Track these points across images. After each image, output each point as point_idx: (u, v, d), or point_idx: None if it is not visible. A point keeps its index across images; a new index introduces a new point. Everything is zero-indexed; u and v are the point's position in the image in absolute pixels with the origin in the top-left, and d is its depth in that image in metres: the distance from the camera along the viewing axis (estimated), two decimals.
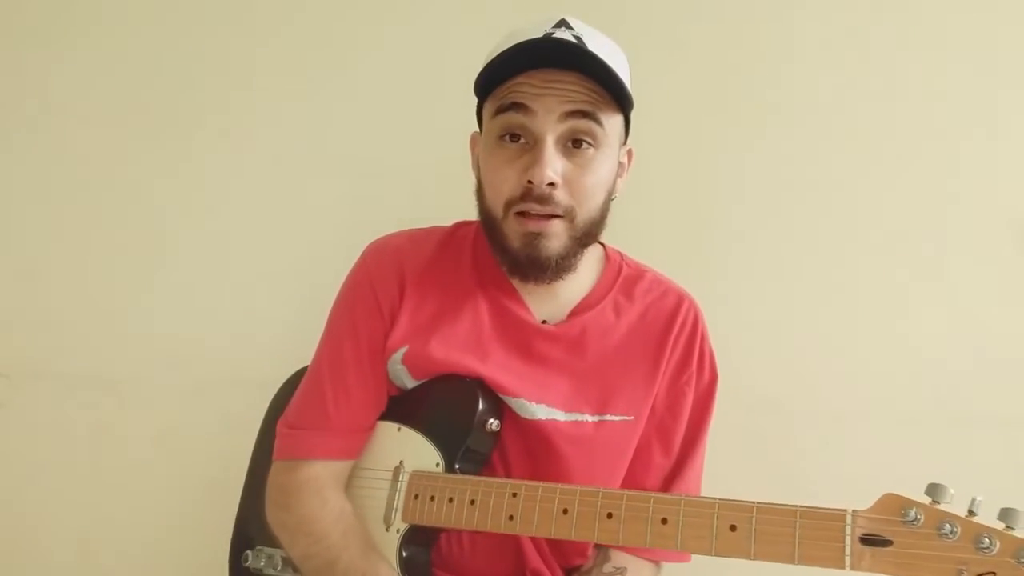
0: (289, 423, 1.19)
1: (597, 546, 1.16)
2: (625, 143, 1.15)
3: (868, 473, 1.36)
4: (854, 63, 1.49)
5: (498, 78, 1.06)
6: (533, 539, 1.14)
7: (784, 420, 1.43)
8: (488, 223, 1.12)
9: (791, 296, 1.48)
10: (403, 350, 1.14)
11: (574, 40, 1.04)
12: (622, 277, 1.20)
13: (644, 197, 1.33)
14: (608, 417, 1.12)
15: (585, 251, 1.13)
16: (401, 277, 1.16)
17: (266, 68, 1.66)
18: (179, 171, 1.68)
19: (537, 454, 1.11)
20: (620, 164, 1.14)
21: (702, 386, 1.18)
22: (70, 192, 1.72)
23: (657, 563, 1.15)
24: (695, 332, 1.18)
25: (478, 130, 1.16)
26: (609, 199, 1.12)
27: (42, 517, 1.68)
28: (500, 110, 1.06)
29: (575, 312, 1.16)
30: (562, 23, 1.07)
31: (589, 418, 1.12)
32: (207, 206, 1.67)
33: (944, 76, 1.45)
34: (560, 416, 1.11)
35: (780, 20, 1.50)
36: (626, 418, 1.13)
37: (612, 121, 1.08)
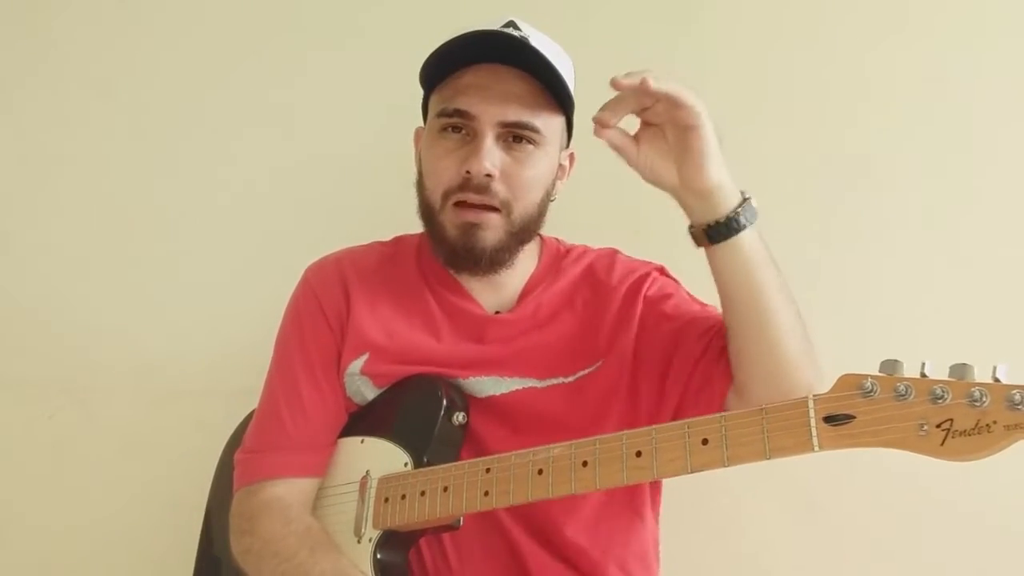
0: (247, 449, 1.17)
1: None
2: (568, 146, 1.21)
3: None
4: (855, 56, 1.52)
5: (443, 71, 1.11)
6: (537, 536, 1.11)
7: None
8: (427, 213, 1.15)
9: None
10: (363, 358, 1.15)
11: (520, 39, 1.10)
12: (558, 254, 1.24)
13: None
14: (580, 373, 1.14)
15: (522, 248, 1.16)
16: (345, 286, 1.18)
17: (245, 71, 1.68)
18: (151, 175, 1.66)
19: (519, 428, 1.11)
20: (561, 167, 1.19)
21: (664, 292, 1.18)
22: (34, 196, 1.69)
23: None
24: (644, 277, 1.20)
25: (422, 125, 1.20)
26: (547, 199, 1.17)
27: (1, 534, 1.57)
28: (443, 114, 1.10)
29: (524, 294, 1.19)
30: (510, 24, 1.12)
31: (565, 379, 1.13)
32: (179, 210, 1.65)
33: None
34: (537, 384, 1.13)
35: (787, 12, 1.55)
36: (594, 366, 1.14)
37: (552, 123, 1.12)
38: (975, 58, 1.46)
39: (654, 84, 0.90)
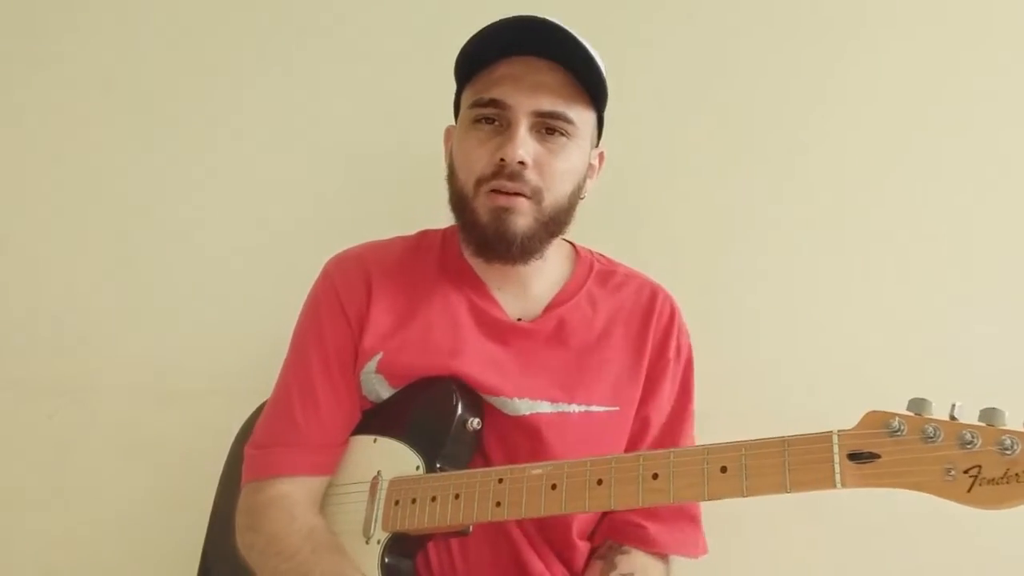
0: (257, 443, 1.16)
1: (599, 557, 1.14)
2: (597, 145, 1.20)
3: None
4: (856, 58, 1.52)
5: (478, 63, 1.10)
6: (535, 544, 1.12)
7: None
8: (458, 202, 1.14)
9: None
10: (377, 357, 1.13)
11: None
12: (595, 272, 1.22)
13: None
14: (594, 408, 1.12)
15: (551, 241, 1.15)
16: (367, 281, 1.16)
17: (251, 65, 1.66)
18: (153, 174, 1.64)
19: (522, 450, 1.10)
20: (591, 166, 1.18)
21: (678, 378, 1.20)
22: (34, 195, 1.66)
23: (665, 557, 1.14)
24: (672, 323, 1.20)
25: (453, 124, 1.19)
26: (578, 194, 1.15)
27: (0, 536, 1.56)
28: (476, 104, 1.10)
29: (550, 307, 1.18)
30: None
31: (576, 408, 1.12)
32: (183, 205, 1.63)
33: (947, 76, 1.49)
34: (546, 408, 1.11)
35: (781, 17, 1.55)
36: (611, 408, 1.13)
37: (585, 117, 1.12)
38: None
39: None
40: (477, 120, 1.11)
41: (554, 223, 1.13)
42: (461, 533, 1.06)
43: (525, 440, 1.10)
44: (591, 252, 1.26)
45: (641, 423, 1.16)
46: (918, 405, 0.82)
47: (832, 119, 1.51)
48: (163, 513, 1.52)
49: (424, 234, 1.25)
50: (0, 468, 1.58)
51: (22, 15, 1.69)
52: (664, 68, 1.55)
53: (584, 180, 1.16)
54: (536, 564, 1.11)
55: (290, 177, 1.62)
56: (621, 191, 1.46)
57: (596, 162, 1.20)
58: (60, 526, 1.56)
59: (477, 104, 1.10)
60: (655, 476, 0.92)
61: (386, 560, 1.07)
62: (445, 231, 1.22)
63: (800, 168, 1.51)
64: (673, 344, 1.19)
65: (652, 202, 1.51)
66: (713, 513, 1.32)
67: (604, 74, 1.12)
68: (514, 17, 1.08)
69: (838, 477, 0.82)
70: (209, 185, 1.64)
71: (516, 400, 1.10)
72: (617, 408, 1.13)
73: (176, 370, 1.57)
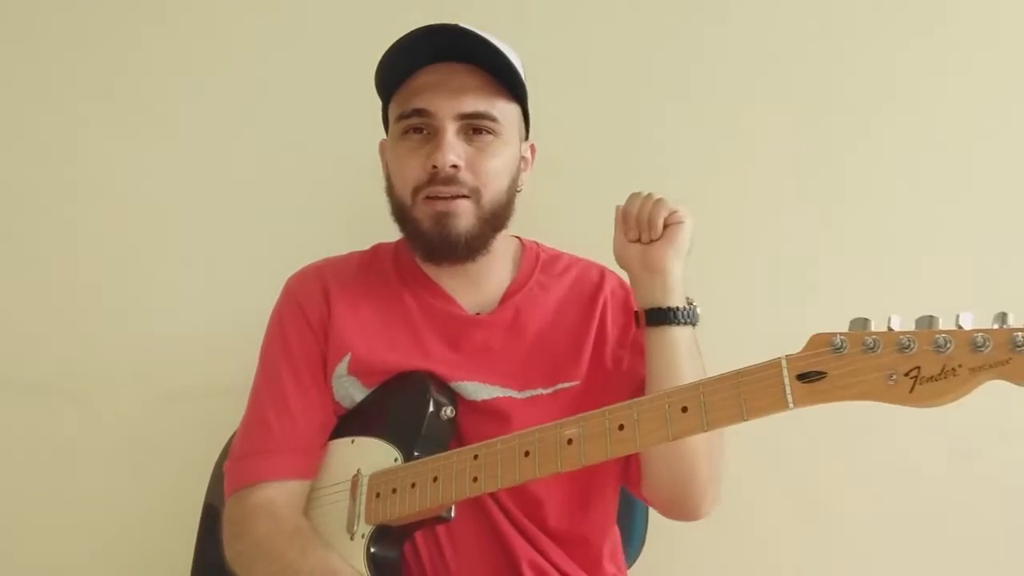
0: (235, 456, 1.18)
1: None
2: (527, 138, 1.25)
3: None
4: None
5: (396, 76, 1.16)
6: (525, 530, 1.14)
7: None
8: (399, 213, 1.18)
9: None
10: (346, 359, 1.17)
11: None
12: (541, 261, 1.27)
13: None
14: (560, 385, 1.16)
15: (496, 236, 1.19)
16: (325, 290, 1.21)
17: (251, 65, 1.67)
18: (151, 175, 1.66)
19: (499, 432, 1.11)
20: (523, 158, 1.23)
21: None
22: (33, 196, 1.66)
23: None
24: (628, 296, 1.23)
25: (386, 137, 1.24)
26: (514, 188, 1.20)
27: (1, 537, 1.55)
28: (402, 116, 1.15)
29: (505, 298, 1.22)
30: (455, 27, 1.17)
31: (544, 391, 1.15)
32: (179, 210, 1.64)
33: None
34: (515, 395, 1.14)
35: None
36: (575, 383, 1.16)
37: (509, 112, 1.17)
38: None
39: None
40: (405, 132, 1.15)
41: (495, 218, 1.17)
42: (443, 519, 1.08)
43: (496, 425, 1.12)
44: (536, 243, 1.31)
45: (629, 380, 1.17)
46: (859, 324, 0.86)
47: (832, 118, 1.55)
48: (162, 512, 1.51)
49: (377, 247, 1.29)
50: (0, 468, 1.59)
51: (22, 15, 1.71)
52: (664, 69, 1.60)
53: (518, 173, 1.21)
54: (520, 545, 1.13)
55: (292, 179, 1.64)
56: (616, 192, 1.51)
57: (528, 155, 1.25)
58: (60, 526, 1.55)
59: (403, 116, 1.14)
60: (621, 427, 0.95)
61: (371, 551, 1.08)
62: (397, 243, 1.27)
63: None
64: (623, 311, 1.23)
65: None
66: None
67: (520, 69, 1.18)
68: (425, 27, 1.13)
69: (790, 398, 0.85)
70: (210, 186, 1.66)
71: (488, 386, 1.14)
72: (578, 382, 1.16)
73: (176, 370, 1.58)
